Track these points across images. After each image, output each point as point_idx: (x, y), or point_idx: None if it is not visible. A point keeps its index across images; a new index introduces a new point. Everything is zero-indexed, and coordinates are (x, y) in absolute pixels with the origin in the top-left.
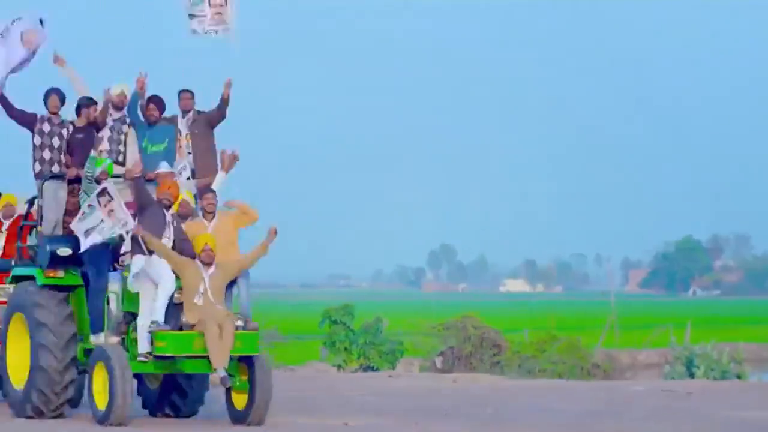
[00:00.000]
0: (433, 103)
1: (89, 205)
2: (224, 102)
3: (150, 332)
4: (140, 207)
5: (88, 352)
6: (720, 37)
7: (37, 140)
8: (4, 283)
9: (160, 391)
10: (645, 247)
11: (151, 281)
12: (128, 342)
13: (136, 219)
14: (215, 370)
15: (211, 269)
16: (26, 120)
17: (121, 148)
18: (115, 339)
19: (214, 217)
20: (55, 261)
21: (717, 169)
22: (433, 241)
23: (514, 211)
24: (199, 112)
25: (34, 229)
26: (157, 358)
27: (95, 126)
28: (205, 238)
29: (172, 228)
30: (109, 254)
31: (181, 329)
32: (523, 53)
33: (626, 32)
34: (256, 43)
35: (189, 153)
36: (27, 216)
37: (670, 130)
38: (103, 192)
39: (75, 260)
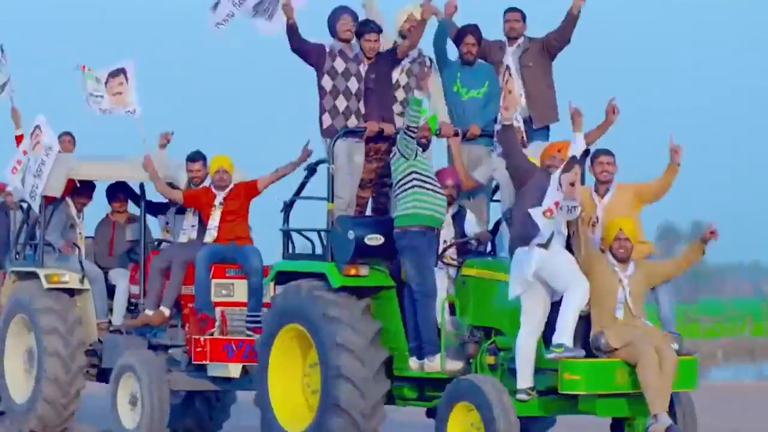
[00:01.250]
0: None
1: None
2: (574, 18)
3: (553, 359)
4: (517, 178)
5: (401, 381)
6: (724, 37)
7: (327, 83)
8: (226, 277)
9: None
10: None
11: (543, 284)
12: (478, 370)
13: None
14: (655, 416)
15: (629, 268)
16: (313, 54)
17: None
18: (458, 365)
19: (608, 190)
20: (360, 253)
21: (715, 169)
22: None
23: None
24: (530, 38)
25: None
26: (550, 394)
27: (394, 59)
28: (620, 223)
29: None
30: (433, 244)
31: (592, 355)
32: None
33: (632, 33)
34: None
35: (520, 95)
36: (299, 190)
37: (670, 129)
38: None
39: (382, 252)
